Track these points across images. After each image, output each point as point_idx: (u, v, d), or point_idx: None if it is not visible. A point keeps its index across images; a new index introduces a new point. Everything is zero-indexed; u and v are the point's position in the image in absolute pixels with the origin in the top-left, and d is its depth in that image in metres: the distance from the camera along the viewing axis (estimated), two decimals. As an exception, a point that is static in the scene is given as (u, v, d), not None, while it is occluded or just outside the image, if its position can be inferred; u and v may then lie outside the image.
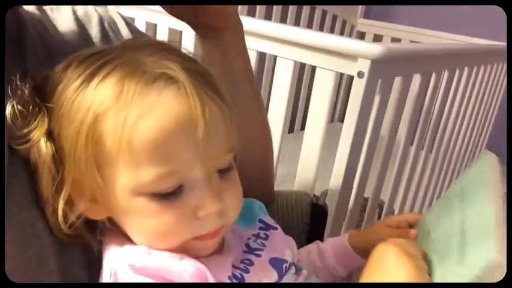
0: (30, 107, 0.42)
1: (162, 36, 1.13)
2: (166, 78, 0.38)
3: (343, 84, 2.16)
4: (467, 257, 0.41)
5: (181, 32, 1.07)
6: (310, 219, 0.73)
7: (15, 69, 0.45)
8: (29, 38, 0.50)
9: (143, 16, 1.14)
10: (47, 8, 0.57)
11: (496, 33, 1.84)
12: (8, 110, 0.42)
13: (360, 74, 0.78)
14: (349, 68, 0.80)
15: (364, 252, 0.55)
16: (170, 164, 0.38)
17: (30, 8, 0.55)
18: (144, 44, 0.44)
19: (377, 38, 2.18)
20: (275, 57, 0.92)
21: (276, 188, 0.74)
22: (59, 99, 0.41)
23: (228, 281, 0.42)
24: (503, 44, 1.65)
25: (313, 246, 0.59)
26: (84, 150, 0.38)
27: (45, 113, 0.42)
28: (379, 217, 1.21)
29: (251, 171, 0.47)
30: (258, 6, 1.63)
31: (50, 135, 0.42)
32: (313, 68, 0.87)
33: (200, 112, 0.38)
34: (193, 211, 0.40)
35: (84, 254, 0.47)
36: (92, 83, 0.39)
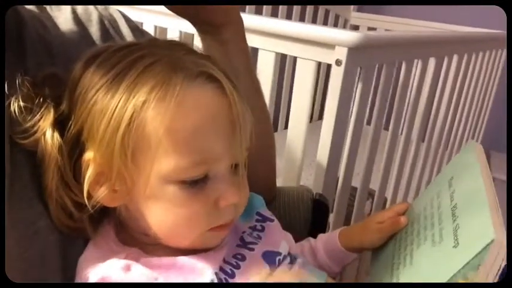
0: (36, 100, 0.43)
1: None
2: (206, 76, 0.41)
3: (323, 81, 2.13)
4: (463, 240, 0.41)
5: (193, 35, 1.04)
6: (311, 215, 0.74)
7: (16, 68, 0.45)
8: (28, 37, 0.50)
9: (152, 20, 1.12)
10: (47, 6, 0.58)
11: (490, 22, 1.83)
12: (13, 106, 0.42)
13: (338, 62, 0.78)
14: (327, 57, 0.80)
15: (357, 249, 0.56)
16: (204, 154, 0.41)
17: (30, 7, 0.56)
18: (174, 43, 0.46)
19: (370, 31, 2.17)
20: (257, 50, 0.92)
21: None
22: (88, 88, 0.42)
23: (215, 277, 0.42)
24: (495, 31, 1.65)
25: (305, 244, 0.59)
26: (122, 137, 0.40)
27: (51, 104, 0.43)
28: (372, 206, 1.21)
29: (254, 167, 0.48)
30: (247, 5, 1.63)
31: (62, 125, 0.43)
32: (294, 65, 0.87)
33: (237, 111, 0.41)
34: (215, 201, 0.42)
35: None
36: (129, 75, 0.40)
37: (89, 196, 0.42)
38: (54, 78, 0.45)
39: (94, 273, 0.41)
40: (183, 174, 0.40)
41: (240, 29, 0.58)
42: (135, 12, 1.14)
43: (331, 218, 0.94)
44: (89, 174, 0.42)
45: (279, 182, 0.94)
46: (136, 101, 0.39)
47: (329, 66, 0.81)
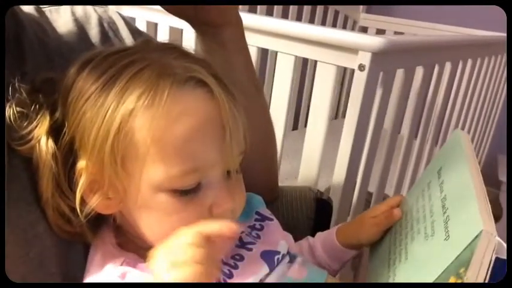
0: (32, 107, 0.43)
1: (162, 35, 1.13)
2: (196, 81, 0.40)
3: (347, 79, 2.15)
4: (453, 232, 0.40)
5: (181, 30, 1.07)
6: (315, 214, 0.73)
7: (14, 71, 0.45)
8: (27, 40, 0.50)
9: (144, 15, 1.14)
10: (45, 9, 0.57)
11: (497, 25, 1.82)
12: (8, 112, 0.42)
13: (361, 67, 0.78)
14: (350, 61, 0.80)
15: (354, 246, 0.55)
16: (195, 162, 0.40)
17: (28, 10, 0.55)
18: (166, 47, 0.45)
19: (379, 33, 2.17)
20: (276, 53, 0.92)
21: (280, 185, 0.74)
22: (77, 98, 0.41)
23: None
24: (504, 35, 1.64)
25: (304, 243, 0.59)
26: (111, 146, 0.39)
27: (47, 111, 0.43)
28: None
29: (254, 167, 0.48)
30: (259, 7, 1.63)
31: (57, 132, 0.42)
32: (315, 63, 0.87)
33: (227, 116, 0.40)
34: (208, 209, 0.41)
35: (84, 255, 0.47)
36: (119, 82, 0.39)
37: (84, 203, 0.42)
38: (50, 83, 0.45)
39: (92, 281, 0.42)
40: (175, 183, 0.40)
41: (239, 29, 0.58)
42: (127, 8, 1.15)
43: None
44: (81, 183, 0.41)
45: (296, 182, 0.95)
46: (124, 109, 0.39)
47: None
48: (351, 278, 1.10)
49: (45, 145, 0.42)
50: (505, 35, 1.63)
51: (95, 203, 0.42)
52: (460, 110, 1.39)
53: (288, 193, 0.73)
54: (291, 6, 1.79)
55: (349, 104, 0.81)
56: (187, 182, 0.40)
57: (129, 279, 0.41)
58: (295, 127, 1.83)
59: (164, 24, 1.12)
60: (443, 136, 1.37)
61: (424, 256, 0.43)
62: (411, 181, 1.23)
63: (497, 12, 1.97)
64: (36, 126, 0.42)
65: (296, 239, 0.55)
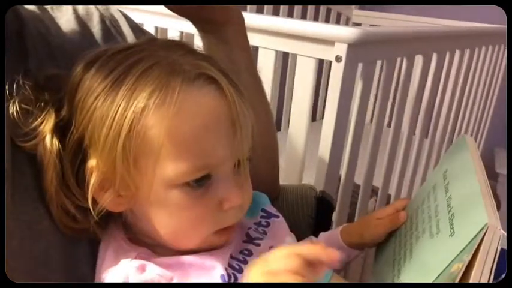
0: (37, 104, 0.43)
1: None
2: (205, 78, 0.41)
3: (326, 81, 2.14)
4: (458, 228, 0.41)
5: (193, 35, 1.05)
6: (316, 213, 0.73)
7: (17, 68, 0.45)
8: (29, 37, 0.50)
9: (153, 21, 1.12)
10: (47, 6, 0.57)
11: (495, 18, 1.81)
12: (12, 108, 0.42)
13: (338, 58, 0.78)
14: (327, 53, 0.80)
15: (358, 245, 0.56)
16: (205, 157, 0.40)
17: (31, 7, 0.55)
18: (172, 44, 0.45)
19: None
20: (257, 49, 0.92)
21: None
22: (85, 96, 0.41)
23: (225, 273, 0.42)
24: (496, 26, 1.64)
25: (307, 242, 0.59)
26: (122, 143, 0.39)
27: (52, 108, 0.43)
28: (376, 203, 1.21)
29: (256, 165, 0.47)
30: (248, 5, 1.63)
31: (62, 130, 0.43)
32: (295, 63, 0.87)
33: (237, 112, 0.41)
34: (219, 203, 0.42)
35: (89, 251, 0.47)
36: (128, 80, 0.40)
37: (94, 201, 0.42)
38: (55, 80, 0.45)
39: (111, 277, 0.42)
40: (186, 177, 0.40)
41: (241, 27, 0.58)
42: (135, 14, 1.14)
43: (334, 216, 0.94)
44: (92, 181, 0.41)
45: (281, 181, 0.94)
46: (136, 107, 0.39)
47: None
48: (357, 278, 1.11)
49: (49, 143, 0.42)
50: (497, 26, 1.63)
51: (106, 201, 0.42)
52: (450, 102, 1.39)
53: (289, 191, 0.73)
54: (281, 9, 1.80)
55: (327, 97, 0.81)
56: (198, 175, 0.40)
57: (149, 272, 0.41)
58: (278, 129, 1.81)
59: (174, 29, 1.09)
60: (433, 128, 1.36)
61: (429, 253, 0.44)
62: (400, 173, 1.23)
63: (494, 7, 1.96)
64: (40, 124, 0.42)
65: (297, 237, 0.55)
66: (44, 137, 0.42)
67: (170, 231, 0.43)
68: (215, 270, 0.42)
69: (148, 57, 0.41)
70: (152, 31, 1.12)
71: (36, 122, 0.42)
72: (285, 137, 0.92)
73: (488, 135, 2.02)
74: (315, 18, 2.02)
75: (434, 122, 1.35)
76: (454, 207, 0.44)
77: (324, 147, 0.83)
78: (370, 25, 2.17)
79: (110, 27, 0.60)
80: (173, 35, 1.10)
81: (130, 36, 0.61)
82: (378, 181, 1.10)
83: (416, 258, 0.45)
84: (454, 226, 0.42)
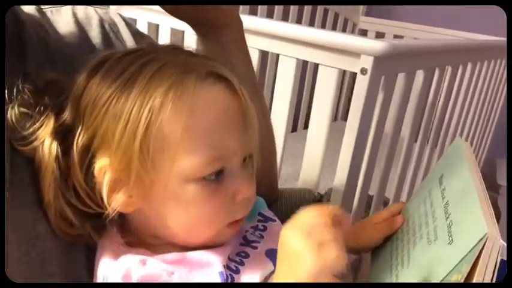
0: (37, 108, 0.43)
1: (164, 36, 1.13)
2: (216, 76, 0.42)
3: (346, 82, 2.16)
4: (457, 236, 0.41)
5: (183, 32, 1.07)
6: None
7: (16, 71, 0.45)
8: (29, 40, 0.50)
9: (145, 17, 1.14)
10: (47, 10, 0.57)
11: (497, 29, 1.83)
12: (11, 112, 0.42)
13: (363, 71, 0.78)
14: (352, 65, 0.80)
15: (355, 249, 0.56)
16: (220, 150, 0.42)
17: (30, 10, 0.55)
18: (174, 47, 0.46)
19: (379, 36, 2.17)
20: (277, 56, 0.92)
21: (279, 187, 0.74)
22: (96, 98, 0.42)
23: (223, 270, 0.43)
24: (504, 39, 1.65)
25: None
26: (140, 140, 0.40)
27: (52, 113, 0.43)
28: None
29: (255, 167, 0.48)
30: (259, 7, 1.63)
31: (63, 135, 0.43)
32: (316, 66, 0.87)
33: (247, 107, 0.43)
34: (232, 196, 0.43)
35: (86, 255, 0.47)
36: (140, 80, 0.41)
37: (98, 206, 0.43)
38: (55, 84, 0.45)
39: (115, 271, 0.41)
40: (202, 171, 0.41)
41: (239, 31, 0.58)
42: (128, 9, 1.15)
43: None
44: (106, 181, 0.41)
45: (296, 184, 0.95)
46: (153, 103, 0.39)
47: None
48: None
49: (48, 147, 0.42)
50: (505, 39, 1.64)
51: (118, 201, 0.42)
52: (459, 114, 1.39)
53: (287, 195, 0.74)
54: (291, 9, 1.80)
55: (351, 107, 0.81)
56: (214, 168, 0.42)
57: (150, 264, 0.41)
58: (294, 129, 1.83)
59: (165, 25, 1.12)
60: (442, 140, 1.37)
61: (427, 260, 0.44)
62: (411, 184, 1.23)
63: (497, 16, 1.98)
64: (39, 128, 0.42)
65: None
66: (43, 141, 0.42)
67: (185, 226, 0.43)
68: (214, 266, 0.43)
69: (158, 59, 0.42)
70: (145, 27, 1.14)
71: (35, 125, 0.42)
72: (301, 139, 0.92)
73: (491, 146, 2.04)
74: (323, 23, 2.02)
75: (443, 134, 1.36)
76: (452, 214, 0.44)
77: (345, 158, 0.83)
78: (377, 32, 2.18)
79: (109, 32, 0.60)
80: (163, 31, 1.12)
81: (129, 40, 0.62)
82: (387, 192, 1.11)
83: (415, 265, 0.45)
84: (453, 234, 0.42)
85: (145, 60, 0.42)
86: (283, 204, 0.72)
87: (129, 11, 1.17)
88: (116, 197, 0.42)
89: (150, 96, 0.40)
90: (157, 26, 1.14)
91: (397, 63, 0.87)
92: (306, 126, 2.00)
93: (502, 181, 1.92)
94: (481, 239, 0.36)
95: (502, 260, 0.36)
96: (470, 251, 0.36)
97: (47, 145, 0.42)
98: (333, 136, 0.89)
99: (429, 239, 0.45)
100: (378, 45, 0.76)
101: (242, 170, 0.44)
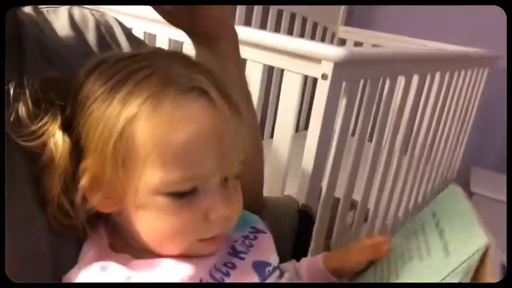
0: (42, 104, 0.44)
1: (162, 46, 1.13)
2: (199, 91, 0.42)
3: (309, 92, 2.17)
4: (453, 249, 0.42)
5: (182, 43, 1.07)
6: (297, 226, 0.75)
7: (14, 70, 0.46)
8: (27, 40, 0.51)
9: (141, 26, 1.13)
10: (43, 10, 0.58)
11: (476, 41, 1.88)
12: (22, 107, 0.43)
13: (324, 76, 0.80)
14: (314, 70, 0.82)
15: (339, 272, 0.57)
16: (194, 170, 0.41)
17: (27, 10, 0.56)
18: (174, 55, 0.47)
19: (357, 45, 2.21)
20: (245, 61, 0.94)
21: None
22: (86, 99, 0.43)
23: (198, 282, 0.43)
24: (479, 50, 1.70)
25: (290, 265, 0.60)
26: (113, 147, 0.41)
27: (57, 108, 0.44)
28: (365, 220, 1.24)
29: (243, 178, 0.49)
30: (237, 13, 1.65)
31: (65, 129, 0.44)
32: (281, 76, 0.89)
33: (228, 126, 0.42)
34: (204, 214, 0.43)
35: (76, 253, 0.47)
36: (126, 87, 0.41)
37: (85, 200, 0.44)
38: (58, 82, 0.46)
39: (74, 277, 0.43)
40: (171, 187, 0.41)
41: (234, 42, 0.60)
42: (125, 18, 1.15)
43: (314, 228, 0.96)
44: (83, 181, 0.43)
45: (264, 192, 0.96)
46: (129, 113, 0.40)
47: (315, 78, 0.83)
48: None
49: (61, 139, 0.42)
50: (482, 50, 1.70)
51: (95, 201, 0.43)
52: (429, 121, 1.43)
53: (272, 204, 0.75)
54: (270, 17, 1.83)
55: (312, 112, 0.83)
56: (184, 187, 0.42)
57: (110, 271, 0.42)
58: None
59: (163, 36, 1.11)
60: (412, 145, 1.40)
61: (421, 271, 0.45)
62: (379, 188, 1.26)
63: (478, 28, 2.04)
64: (47, 122, 0.43)
65: (279, 249, 0.56)
66: (54, 134, 0.43)
67: (153, 237, 0.44)
68: (178, 275, 0.43)
69: (148, 67, 0.42)
70: (141, 36, 1.13)
71: (43, 121, 0.43)
72: (267, 147, 0.93)
73: (464, 154, 2.08)
74: (302, 32, 2.05)
75: (413, 140, 1.39)
76: (447, 236, 0.45)
77: (307, 161, 0.85)
78: (355, 41, 2.22)
79: (104, 34, 0.61)
80: (161, 41, 1.12)
81: (124, 44, 0.63)
82: (356, 195, 1.13)
83: (406, 275, 0.46)
84: (449, 249, 0.43)
85: (136, 68, 0.42)
86: (268, 214, 0.73)
87: (125, 19, 1.16)
88: (94, 196, 0.43)
89: (129, 105, 0.40)
90: (154, 36, 1.14)
91: (359, 70, 0.90)
92: (271, 136, 2.01)
93: (475, 189, 1.96)
94: (479, 249, 0.37)
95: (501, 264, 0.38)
96: (468, 258, 0.38)
97: (58, 139, 0.42)
98: (298, 146, 0.89)
99: (422, 257, 0.46)
100: (337, 52, 0.79)
101: (220, 188, 0.44)
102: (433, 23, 2.17)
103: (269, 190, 0.92)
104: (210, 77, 0.44)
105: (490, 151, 2.21)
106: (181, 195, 0.42)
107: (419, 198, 1.66)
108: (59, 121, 0.43)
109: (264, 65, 0.91)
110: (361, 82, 0.96)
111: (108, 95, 0.42)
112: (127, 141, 0.40)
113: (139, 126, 0.40)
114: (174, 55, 0.47)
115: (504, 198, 1.89)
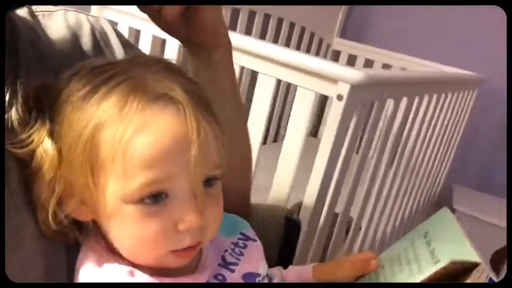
0: (32, 111, 0.43)
1: (145, 43, 1.14)
2: (168, 98, 0.41)
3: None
4: (443, 257, 0.44)
5: (164, 40, 1.09)
6: (284, 233, 0.76)
7: (9, 74, 0.46)
8: (21, 44, 0.51)
9: (126, 21, 1.15)
10: (38, 14, 0.58)
11: (463, 61, 1.95)
12: (13, 114, 0.43)
13: (339, 97, 0.82)
14: (329, 90, 0.84)
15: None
16: (156, 174, 0.40)
17: (22, 13, 0.56)
18: (152, 61, 0.46)
19: (351, 58, 2.26)
20: (256, 73, 0.94)
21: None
22: (63, 104, 0.43)
23: None
24: (470, 73, 1.77)
25: (276, 271, 0.60)
26: (81, 154, 0.40)
27: (47, 116, 0.43)
28: (347, 233, 1.24)
29: (231, 186, 0.49)
30: (239, 22, 1.66)
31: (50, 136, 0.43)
32: (290, 84, 0.90)
33: (196, 135, 0.40)
34: (174, 224, 0.42)
35: (65, 259, 0.47)
36: (98, 94, 0.41)
37: (61, 207, 0.43)
38: (49, 89, 0.45)
39: (103, 279, 0.42)
40: (136, 193, 0.40)
41: (228, 51, 0.60)
42: (110, 12, 1.16)
43: (313, 244, 0.98)
44: (58, 187, 0.42)
45: (269, 198, 0.97)
46: (96, 120, 0.40)
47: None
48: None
49: (50, 148, 0.42)
50: (471, 73, 1.76)
51: (70, 208, 0.43)
52: (422, 141, 1.47)
53: (259, 211, 0.75)
54: (270, 26, 1.84)
55: (325, 130, 0.85)
56: (148, 191, 0.40)
57: (138, 276, 0.42)
58: (264, 142, 1.87)
59: (147, 32, 1.13)
60: (405, 164, 1.43)
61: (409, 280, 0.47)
62: (374, 205, 1.28)
63: (462, 47, 2.10)
64: (36, 131, 0.43)
65: (266, 256, 0.56)
66: (42, 142, 0.42)
67: (125, 246, 0.43)
68: None
69: (122, 74, 0.42)
70: (125, 31, 1.15)
71: (33, 129, 0.43)
72: (270, 152, 0.95)
73: (448, 172, 2.14)
74: (299, 42, 2.08)
75: (398, 157, 1.40)
76: (439, 255, 0.47)
77: (316, 177, 0.87)
78: (349, 54, 2.26)
79: (99, 40, 0.61)
80: (145, 38, 1.14)
81: (119, 50, 0.63)
82: (338, 206, 1.14)
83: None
84: (440, 261, 0.45)
85: (110, 74, 0.42)
86: (255, 221, 0.74)
87: (110, 13, 1.17)
88: (68, 202, 0.43)
89: (98, 112, 0.40)
90: (138, 32, 1.15)
91: (372, 92, 0.92)
92: (275, 140, 2.05)
93: (457, 206, 2.02)
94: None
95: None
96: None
97: (47, 145, 0.42)
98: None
99: (412, 272, 0.48)
100: (355, 74, 0.81)
101: (191, 197, 0.42)
102: (423, 40, 2.22)
103: (273, 198, 0.94)
104: (184, 83, 0.43)
105: (471, 170, 2.28)
106: (150, 204, 0.41)
107: (405, 214, 1.70)
108: (47, 129, 0.43)
109: (277, 80, 0.93)
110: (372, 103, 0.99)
111: (81, 103, 0.41)
112: (94, 148, 0.40)
113: (103, 134, 0.40)
114: (154, 62, 0.45)
115: (484, 217, 1.96)
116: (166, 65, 0.45)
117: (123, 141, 0.39)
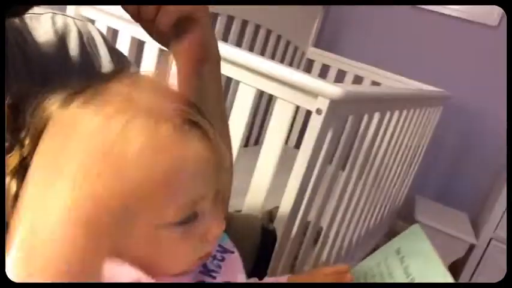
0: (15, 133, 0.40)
1: (123, 44, 1.13)
2: (190, 123, 0.41)
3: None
4: (413, 275, 0.47)
5: (144, 42, 1.08)
6: (260, 243, 0.77)
7: None
8: (9, 48, 0.50)
9: (104, 20, 1.13)
10: (26, 16, 0.57)
11: (429, 76, 2.03)
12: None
13: (319, 111, 0.84)
14: (308, 103, 0.86)
15: None
16: (188, 198, 0.41)
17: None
18: (151, 88, 0.43)
19: (324, 68, 2.31)
20: (230, 81, 0.96)
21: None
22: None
23: None
24: (438, 90, 1.84)
25: (252, 281, 0.61)
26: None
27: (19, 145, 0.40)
28: (315, 241, 1.27)
29: None
30: (216, 29, 1.67)
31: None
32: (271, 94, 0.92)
33: (221, 152, 0.43)
34: (203, 235, 0.43)
35: None
36: (114, 124, 0.37)
37: None
38: (32, 99, 0.41)
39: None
40: (171, 219, 0.40)
41: (217, 64, 0.61)
42: (89, 11, 1.15)
43: (285, 252, 1.00)
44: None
45: (245, 205, 0.98)
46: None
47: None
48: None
49: (10, 187, 0.39)
50: (438, 89, 1.83)
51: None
52: (390, 155, 1.52)
53: (236, 221, 0.76)
54: (246, 34, 1.86)
55: (304, 141, 0.87)
56: (181, 215, 0.41)
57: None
58: (245, 144, 1.88)
59: (126, 33, 1.12)
60: (374, 175, 1.48)
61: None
62: (342, 215, 1.32)
63: (431, 64, 2.19)
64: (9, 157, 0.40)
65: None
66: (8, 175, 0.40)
67: (156, 263, 0.43)
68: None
69: (127, 107, 0.39)
70: (104, 31, 1.12)
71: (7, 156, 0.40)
72: (251, 158, 0.97)
73: (412, 183, 2.22)
74: (275, 50, 2.11)
75: (368, 169, 1.45)
76: (413, 273, 0.49)
77: (291, 191, 0.89)
78: (323, 63, 2.31)
79: (86, 45, 0.61)
80: (123, 38, 1.13)
81: (105, 55, 0.63)
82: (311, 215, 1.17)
83: None
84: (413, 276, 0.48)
85: (116, 108, 0.38)
86: (232, 230, 0.74)
87: (88, 11, 1.16)
88: None
89: (122, 143, 0.37)
90: (116, 32, 1.14)
91: (349, 107, 0.95)
92: (256, 143, 2.07)
93: (419, 217, 2.09)
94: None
95: None
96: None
97: (10, 183, 0.39)
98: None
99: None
100: (335, 90, 0.83)
101: (212, 208, 0.44)
102: (392, 55, 2.30)
103: (249, 204, 0.95)
104: (192, 105, 0.43)
105: (433, 182, 2.37)
106: (183, 224, 0.41)
107: (370, 223, 1.75)
108: (17, 161, 0.40)
109: (257, 90, 0.94)
110: (349, 118, 1.02)
111: (94, 135, 0.37)
112: None
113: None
114: (150, 87, 0.43)
115: (443, 228, 2.04)
116: (167, 91, 0.45)
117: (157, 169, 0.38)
